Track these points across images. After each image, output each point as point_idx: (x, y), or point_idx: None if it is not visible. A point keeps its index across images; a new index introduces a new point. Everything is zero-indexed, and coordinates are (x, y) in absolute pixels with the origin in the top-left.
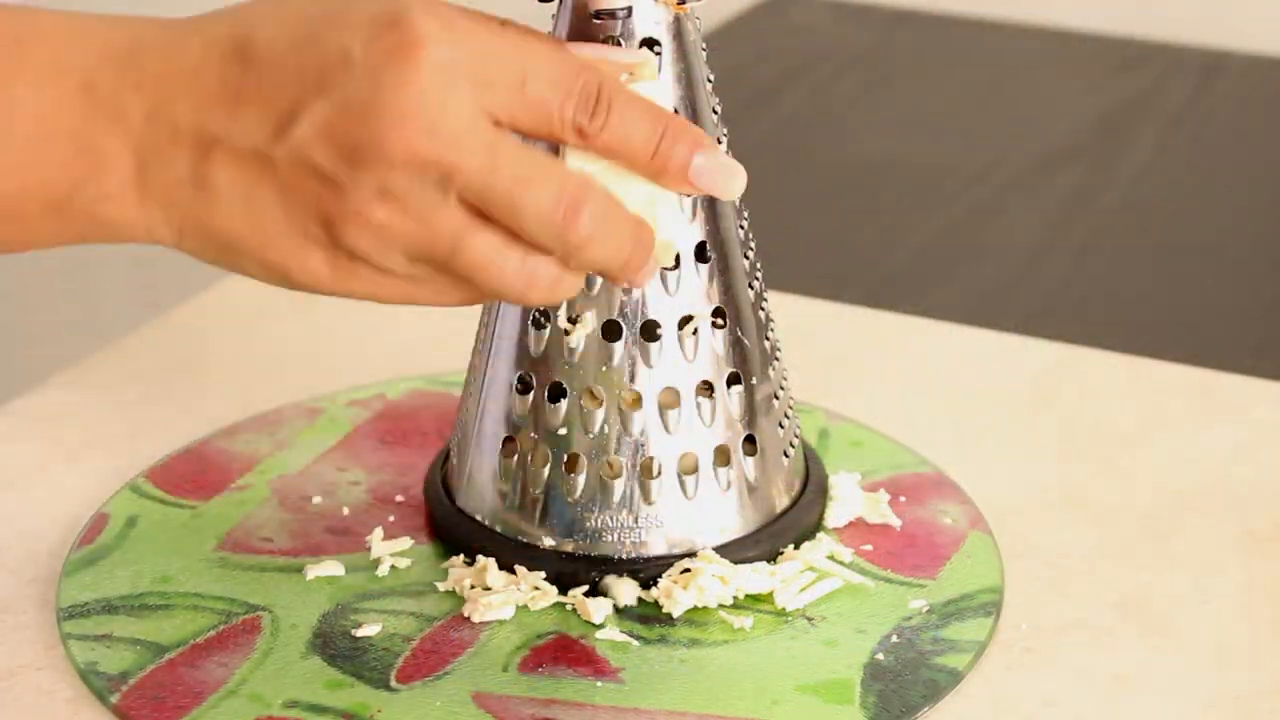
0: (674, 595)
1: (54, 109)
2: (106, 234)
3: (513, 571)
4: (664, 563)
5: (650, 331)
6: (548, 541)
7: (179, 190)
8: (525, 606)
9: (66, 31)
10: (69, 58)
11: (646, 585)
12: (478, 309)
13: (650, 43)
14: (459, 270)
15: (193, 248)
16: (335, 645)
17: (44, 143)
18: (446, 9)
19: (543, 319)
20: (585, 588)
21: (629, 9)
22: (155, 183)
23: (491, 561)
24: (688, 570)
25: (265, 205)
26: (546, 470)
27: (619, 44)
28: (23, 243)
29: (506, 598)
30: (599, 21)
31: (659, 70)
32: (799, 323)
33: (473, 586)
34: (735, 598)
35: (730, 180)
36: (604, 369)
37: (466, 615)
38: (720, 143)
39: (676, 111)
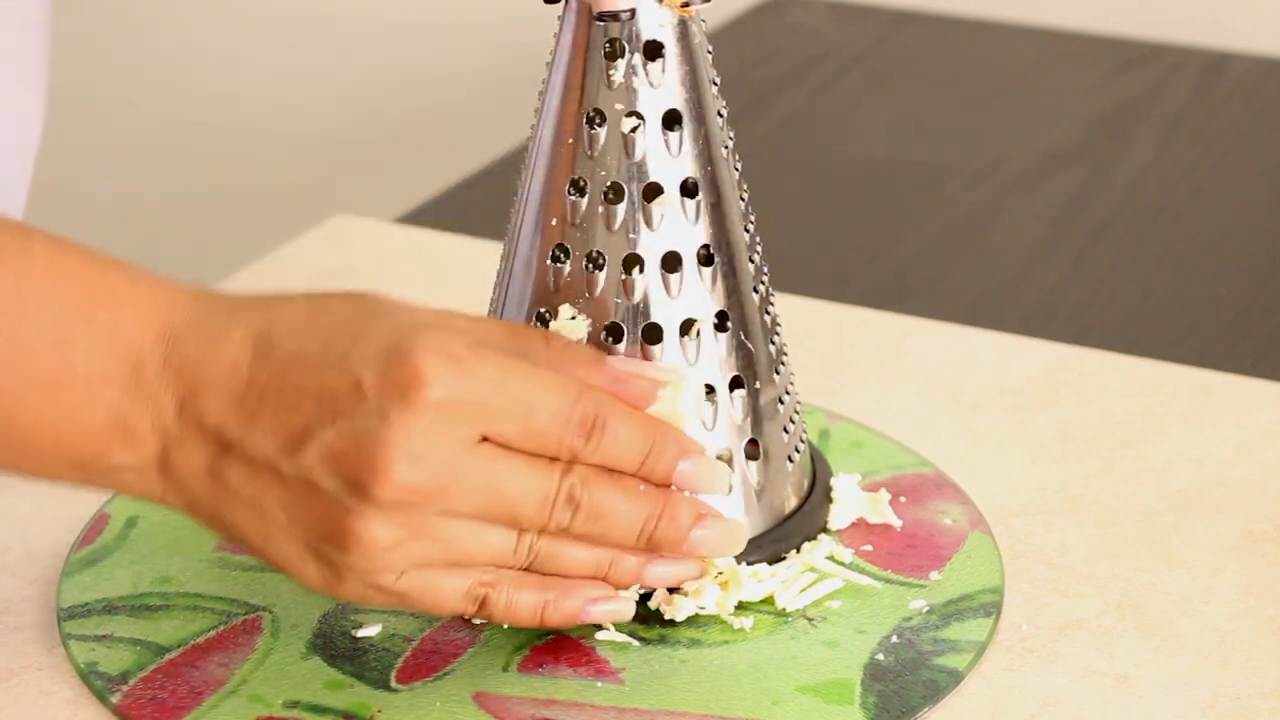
0: (675, 602)
1: (103, 383)
2: (120, 491)
3: None
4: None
5: (652, 335)
6: None
7: (195, 478)
8: None
9: (137, 303)
10: (129, 332)
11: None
12: (481, 315)
13: (655, 46)
14: (464, 564)
15: (200, 522)
16: (335, 645)
17: (86, 410)
18: (455, 344)
19: (549, 315)
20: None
21: (633, 11)
22: (176, 467)
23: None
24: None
25: (271, 510)
26: None
27: (624, 48)
28: (39, 477)
29: None
30: (602, 24)
31: (691, 390)
32: (799, 323)
33: None
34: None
35: (713, 481)
36: None
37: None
38: (728, 146)
39: (680, 121)
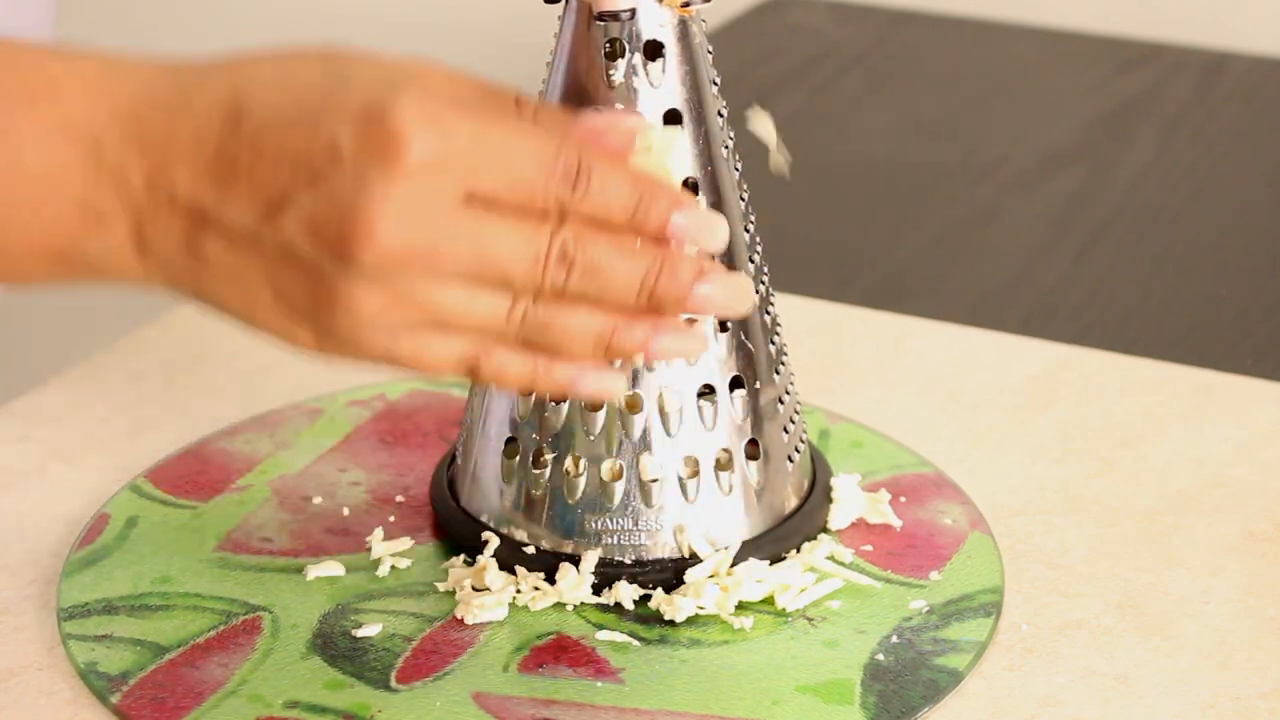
0: (675, 603)
1: (62, 170)
2: (105, 279)
3: (513, 572)
4: (664, 565)
5: None
6: (548, 543)
7: (174, 254)
8: (525, 607)
9: (80, 84)
10: (78, 115)
11: (646, 587)
12: None
13: (655, 46)
14: (457, 329)
15: (188, 300)
16: (335, 645)
17: (49, 202)
18: (434, 100)
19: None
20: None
21: (633, 11)
22: (152, 245)
23: (492, 562)
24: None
25: (255, 282)
26: (548, 472)
27: (624, 48)
28: (22, 281)
29: (499, 599)
30: (602, 24)
31: (679, 143)
32: (799, 323)
33: (475, 589)
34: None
35: (713, 232)
36: None
37: (459, 617)
38: (728, 146)
39: (680, 120)
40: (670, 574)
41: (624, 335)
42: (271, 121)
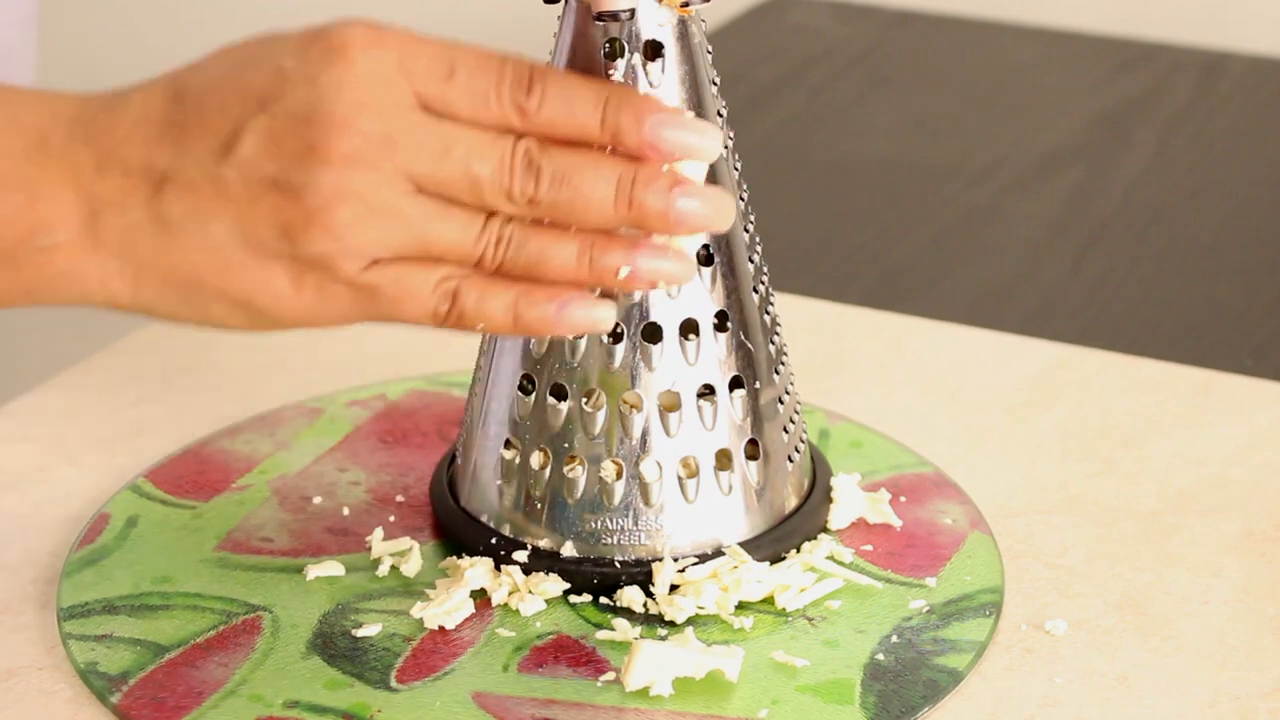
0: (675, 603)
1: (8, 161)
2: (59, 286)
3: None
4: (663, 565)
5: (652, 334)
6: (548, 543)
7: (133, 233)
8: (516, 611)
9: (20, 94)
10: (22, 116)
11: (645, 587)
12: None
13: (655, 46)
14: (431, 252)
15: (151, 295)
16: (335, 645)
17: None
18: (368, 20)
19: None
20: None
21: (632, 11)
22: (108, 230)
23: (490, 562)
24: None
25: (222, 230)
26: (547, 472)
27: (623, 48)
28: None
29: (454, 604)
30: (602, 24)
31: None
32: (799, 323)
33: (480, 591)
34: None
35: (702, 138)
36: (606, 371)
37: (417, 616)
38: (727, 146)
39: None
40: (670, 574)
41: (604, 251)
42: (212, 83)
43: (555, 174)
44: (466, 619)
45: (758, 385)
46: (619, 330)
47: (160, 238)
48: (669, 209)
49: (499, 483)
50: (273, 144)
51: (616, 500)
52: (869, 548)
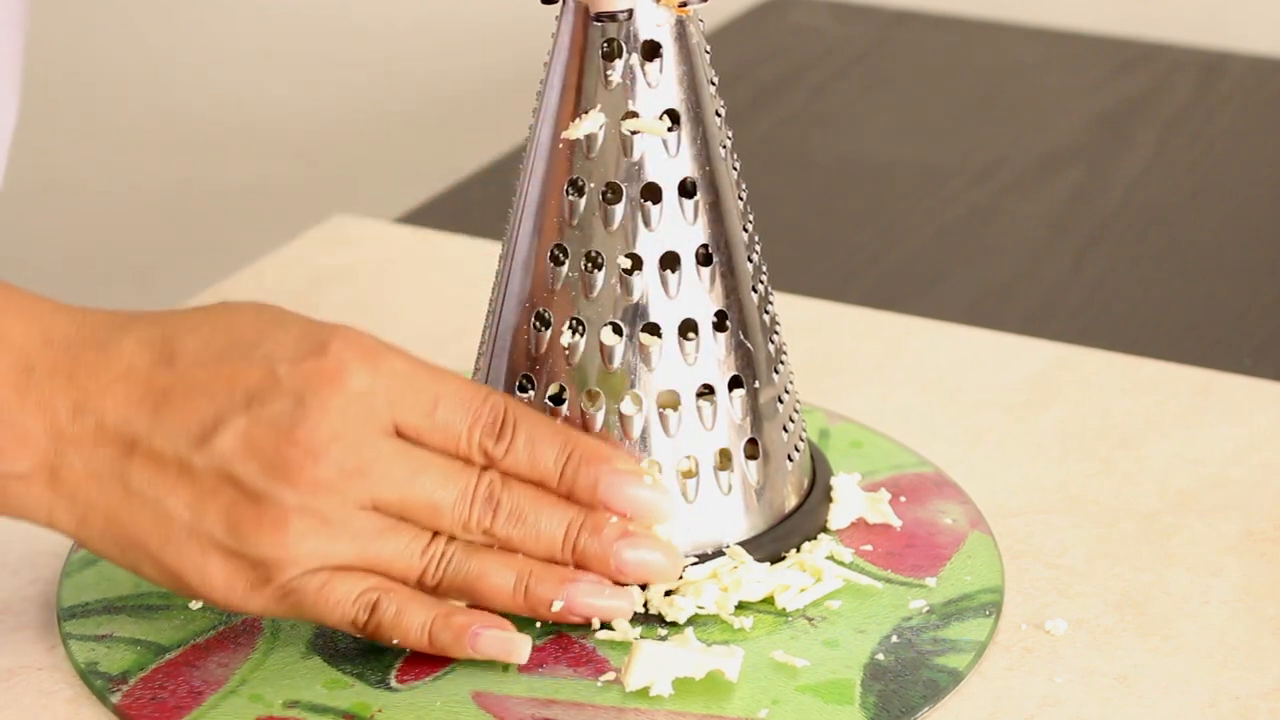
0: (675, 603)
1: None
2: (4, 504)
3: None
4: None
5: (651, 334)
6: None
7: (92, 482)
8: None
9: (18, 309)
10: (14, 335)
11: (645, 587)
12: (480, 314)
13: (653, 46)
14: (374, 567)
15: (90, 535)
16: (335, 645)
17: None
18: (366, 339)
19: (547, 316)
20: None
21: (630, 11)
22: (68, 472)
23: None
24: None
25: (177, 508)
26: None
27: (621, 49)
28: None
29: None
30: (600, 24)
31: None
32: (799, 323)
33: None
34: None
35: (656, 495)
36: (604, 371)
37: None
38: (726, 145)
39: (678, 120)
40: None
41: (539, 582)
42: (205, 358)
43: (512, 511)
44: None
45: (757, 385)
46: (617, 330)
47: (115, 495)
48: (609, 557)
49: None
50: (248, 447)
51: None
52: (869, 547)
